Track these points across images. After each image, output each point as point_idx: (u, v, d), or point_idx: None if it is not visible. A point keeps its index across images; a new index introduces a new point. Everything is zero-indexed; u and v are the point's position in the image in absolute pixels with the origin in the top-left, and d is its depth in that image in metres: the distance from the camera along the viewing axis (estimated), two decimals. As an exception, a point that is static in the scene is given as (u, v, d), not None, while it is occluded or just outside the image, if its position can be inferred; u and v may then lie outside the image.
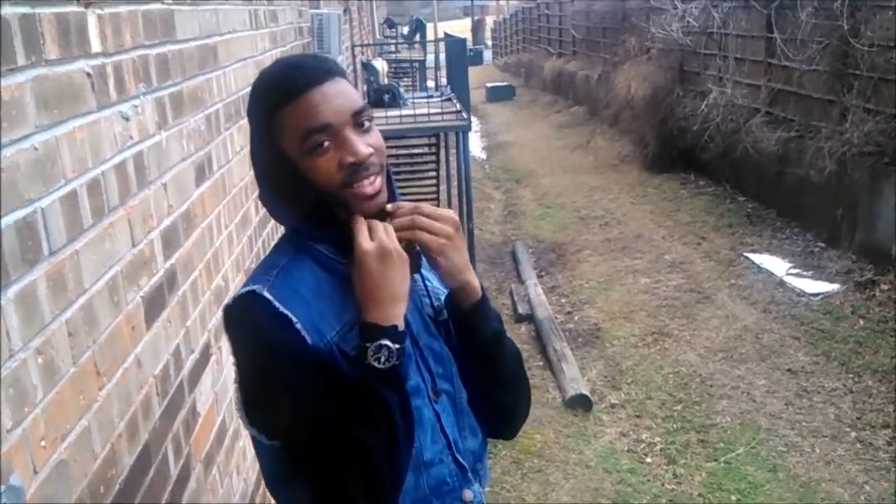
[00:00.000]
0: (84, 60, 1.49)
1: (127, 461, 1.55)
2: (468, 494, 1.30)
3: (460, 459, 1.31)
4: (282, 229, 1.35)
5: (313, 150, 1.20)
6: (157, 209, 1.85)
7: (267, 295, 1.18)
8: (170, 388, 1.86)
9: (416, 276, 1.33)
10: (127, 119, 1.69)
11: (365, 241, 1.20)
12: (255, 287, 1.20)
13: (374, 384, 1.15)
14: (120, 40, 1.69)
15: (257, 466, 2.66)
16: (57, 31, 1.38)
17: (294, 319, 1.17)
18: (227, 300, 1.25)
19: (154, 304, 1.78)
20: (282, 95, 1.22)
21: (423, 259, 1.33)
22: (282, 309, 1.17)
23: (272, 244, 1.37)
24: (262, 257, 1.36)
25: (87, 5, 1.52)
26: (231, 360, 1.25)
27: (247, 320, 1.20)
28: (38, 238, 1.26)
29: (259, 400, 1.21)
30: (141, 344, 1.68)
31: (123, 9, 1.73)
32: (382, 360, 1.15)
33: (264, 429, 1.22)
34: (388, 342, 1.16)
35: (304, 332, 1.17)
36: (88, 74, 1.50)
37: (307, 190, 1.23)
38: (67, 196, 1.37)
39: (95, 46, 1.56)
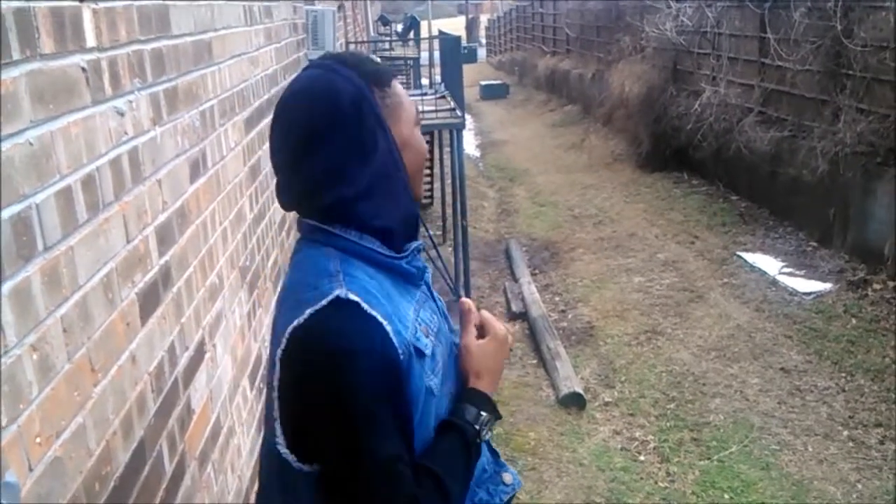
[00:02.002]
0: (79, 55, 1.48)
1: (122, 458, 1.54)
2: (508, 477, 1.33)
3: (492, 444, 1.36)
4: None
5: (419, 122, 1.33)
6: (152, 205, 1.84)
7: (353, 297, 1.14)
8: (164, 385, 1.85)
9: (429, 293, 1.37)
10: (122, 114, 1.68)
11: (504, 326, 1.35)
12: (338, 293, 1.14)
13: (472, 445, 1.24)
14: (115, 35, 1.68)
15: (252, 463, 2.66)
16: (52, 26, 1.37)
17: (384, 322, 1.15)
18: (297, 320, 1.15)
19: (149, 301, 1.77)
20: (389, 73, 1.31)
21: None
22: (371, 311, 1.14)
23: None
24: (293, 269, 1.27)
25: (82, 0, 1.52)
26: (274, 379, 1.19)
27: (333, 328, 1.13)
28: (33, 233, 1.25)
29: (328, 418, 1.14)
30: (136, 340, 1.67)
31: (118, 3, 1.72)
32: (487, 430, 1.27)
33: (315, 453, 1.17)
34: (494, 416, 1.29)
35: (392, 336, 1.15)
36: (83, 69, 1.49)
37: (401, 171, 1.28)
38: (62, 191, 1.36)
39: (90, 41, 1.55)
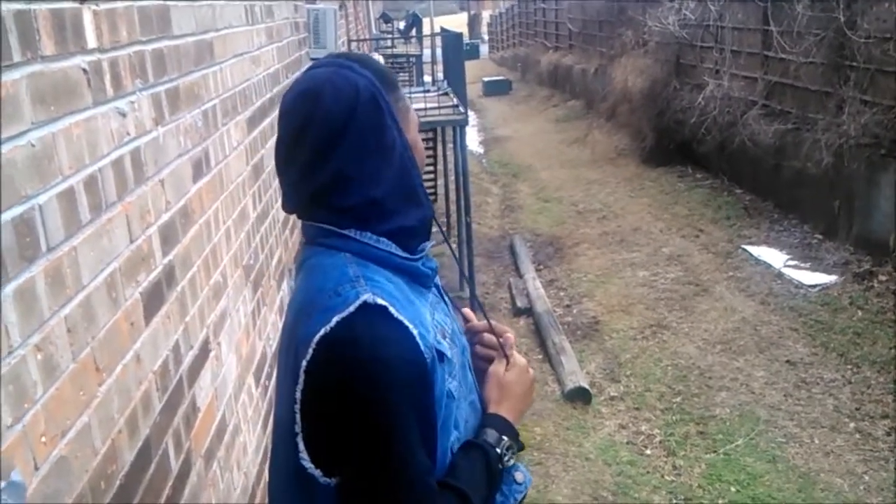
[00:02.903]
0: (80, 56, 1.49)
1: (127, 457, 1.55)
2: (520, 476, 1.31)
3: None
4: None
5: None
6: (155, 205, 1.85)
7: (381, 302, 1.11)
8: (169, 384, 1.86)
9: (439, 294, 1.37)
10: (123, 115, 1.68)
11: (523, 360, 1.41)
12: (365, 298, 1.11)
13: (494, 470, 1.24)
14: (116, 36, 1.69)
15: (258, 461, 2.67)
16: (52, 27, 1.38)
17: (410, 327, 1.12)
18: (325, 328, 1.10)
19: (153, 300, 1.78)
20: (395, 77, 1.30)
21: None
22: (398, 316, 1.12)
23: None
24: (308, 275, 1.22)
25: (82, 1, 1.52)
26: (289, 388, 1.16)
27: (365, 336, 1.09)
28: (36, 234, 1.26)
29: (359, 429, 1.09)
30: (140, 340, 1.68)
31: (119, 4, 1.73)
32: (509, 457, 1.28)
33: (340, 465, 1.12)
34: (516, 443, 1.30)
35: (418, 339, 1.12)
36: (84, 70, 1.50)
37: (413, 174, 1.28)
38: (65, 192, 1.37)
39: (91, 42, 1.55)
